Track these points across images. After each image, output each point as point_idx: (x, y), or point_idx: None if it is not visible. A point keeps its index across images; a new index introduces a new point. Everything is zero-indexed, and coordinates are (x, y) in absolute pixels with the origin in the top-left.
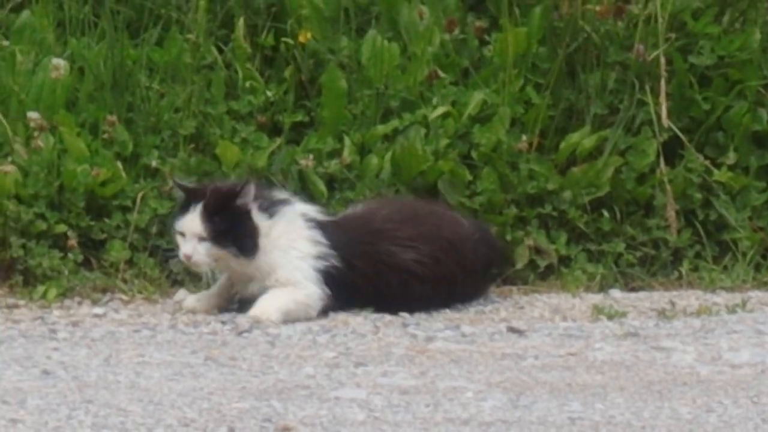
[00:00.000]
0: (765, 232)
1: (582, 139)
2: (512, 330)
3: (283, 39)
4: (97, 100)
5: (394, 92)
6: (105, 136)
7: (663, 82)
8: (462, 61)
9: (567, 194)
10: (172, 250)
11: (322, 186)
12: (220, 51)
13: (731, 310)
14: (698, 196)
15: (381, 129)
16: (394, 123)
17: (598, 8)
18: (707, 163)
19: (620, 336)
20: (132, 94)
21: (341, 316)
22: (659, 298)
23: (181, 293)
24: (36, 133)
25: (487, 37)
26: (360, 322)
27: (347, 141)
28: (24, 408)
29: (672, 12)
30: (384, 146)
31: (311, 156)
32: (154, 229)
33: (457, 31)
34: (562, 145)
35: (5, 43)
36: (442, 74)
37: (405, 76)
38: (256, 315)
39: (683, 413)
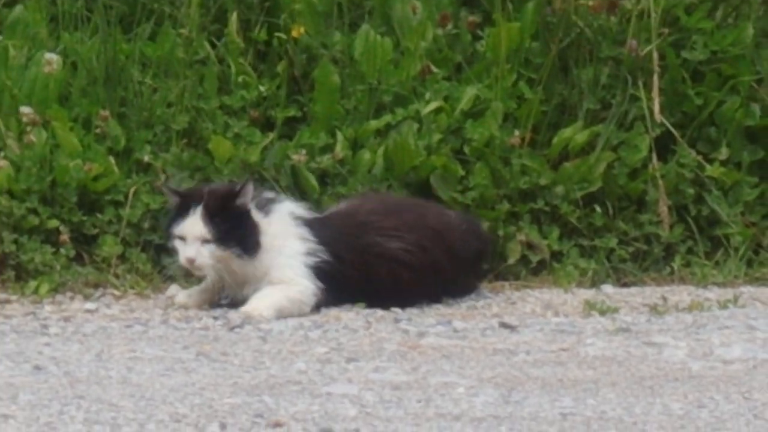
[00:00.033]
0: (757, 228)
1: (574, 134)
2: (504, 325)
3: (276, 34)
4: (89, 95)
5: (387, 87)
6: (98, 130)
7: (656, 77)
8: (455, 56)
9: (559, 189)
10: (165, 246)
11: (314, 181)
12: (213, 46)
13: (723, 306)
14: (690, 191)
15: (374, 124)
16: (387, 118)
17: (590, 3)
18: (700, 158)
19: (612, 331)
20: (125, 88)
21: (333, 312)
22: (651, 293)
23: (173, 289)
24: (28, 128)
25: (480, 32)
26: (352, 317)
27: (340, 136)
28: (15, 403)
29: (665, 7)
30: (376, 141)
31: (304, 151)
32: (146, 225)
33: (450, 26)
34: (555, 140)
35: None
36: (435, 69)
37: (398, 71)
38: (249, 312)
39: (675, 409)
